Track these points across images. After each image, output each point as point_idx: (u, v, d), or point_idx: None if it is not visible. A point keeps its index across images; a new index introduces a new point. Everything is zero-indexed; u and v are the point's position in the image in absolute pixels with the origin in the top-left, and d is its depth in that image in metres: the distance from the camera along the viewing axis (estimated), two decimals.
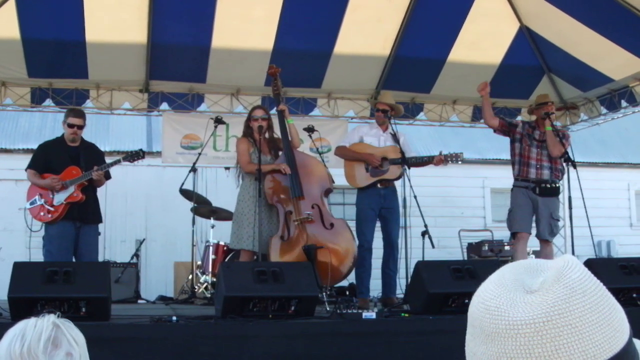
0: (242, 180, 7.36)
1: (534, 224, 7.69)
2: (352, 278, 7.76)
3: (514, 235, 7.80)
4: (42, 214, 7.09)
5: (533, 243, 7.95)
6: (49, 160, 7.26)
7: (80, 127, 7.31)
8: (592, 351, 1.02)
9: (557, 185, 7.68)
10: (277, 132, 7.50)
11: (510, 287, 1.09)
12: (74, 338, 1.52)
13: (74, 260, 7.05)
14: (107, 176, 7.40)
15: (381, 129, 7.69)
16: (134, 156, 7.30)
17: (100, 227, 7.58)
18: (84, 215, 7.15)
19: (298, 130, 7.60)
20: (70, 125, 7.26)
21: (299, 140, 7.55)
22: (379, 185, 7.43)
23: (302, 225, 6.99)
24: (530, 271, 1.11)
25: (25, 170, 7.31)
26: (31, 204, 7.17)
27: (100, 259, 8.80)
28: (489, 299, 1.09)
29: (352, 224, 7.46)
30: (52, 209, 7.04)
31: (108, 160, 7.48)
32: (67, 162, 7.19)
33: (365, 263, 7.31)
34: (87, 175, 7.06)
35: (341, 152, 7.70)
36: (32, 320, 1.54)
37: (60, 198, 7.04)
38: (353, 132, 7.95)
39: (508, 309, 1.05)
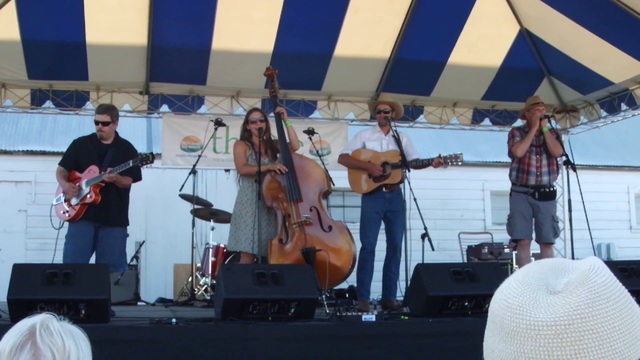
0: (241, 183, 7.35)
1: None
2: (351, 280, 7.75)
3: (515, 241, 7.84)
4: (62, 212, 7.11)
5: (532, 247, 7.95)
6: (78, 157, 7.22)
7: (106, 124, 7.16)
8: (611, 358, 1.01)
9: (555, 188, 7.72)
10: (275, 134, 7.49)
11: (534, 286, 1.08)
12: (50, 347, 1.48)
13: (94, 261, 7.04)
14: (136, 178, 7.31)
15: (383, 132, 7.66)
16: (143, 160, 7.09)
17: None
18: (102, 216, 7.04)
19: (298, 133, 7.58)
20: (95, 123, 7.20)
21: (298, 142, 7.54)
22: (384, 189, 7.40)
23: (300, 228, 6.98)
24: (555, 271, 1.10)
25: (57, 166, 7.32)
26: (57, 201, 7.19)
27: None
28: (512, 297, 1.08)
29: (352, 227, 7.45)
30: (69, 208, 7.05)
31: None
32: (94, 160, 7.12)
33: (367, 266, 7.29)
34: (99, 177, 6.97)
35: (344, 160, 7.67)
36: (23, 321, 1.52)
37: (77, 198, 7.03)
38: (355, 138, 7.90)
39: (530, 308, 1.05)
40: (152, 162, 7.18)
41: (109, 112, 7.31)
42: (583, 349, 1.01)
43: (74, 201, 7.03)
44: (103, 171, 6.98)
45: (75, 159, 7.23)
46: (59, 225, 7.15)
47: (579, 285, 1.05)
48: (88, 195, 6.98)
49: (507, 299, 1.08)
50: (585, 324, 1.01)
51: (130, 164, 7.03)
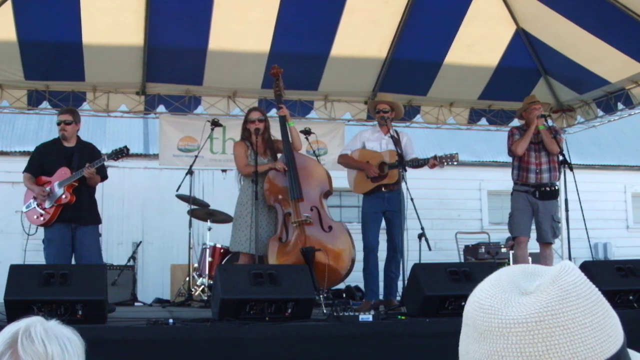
0: (242, 183, 7.36)
1: (533, 227, 7.74)
2: (349, 281, 7.76)
3: (513, 239, 7.87)
4: (35, 217, 7.06)
5: (531, 246, 7.95)
6: (43, 162, 7.21)
7: (68, 123, 7.19)
8: (584, 354, 1.02)
9: (556, 187, 7.73)
10: (275, 134, 7.50)
11: (506, 287, 1.09)
12: (32, 356, 1.47)
13: (73, 262, 7.03)
14: (103, 176, 7.33)
15: (382, 132, 7.65)
16: (117, 154, 7.13)
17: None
18: (78, 216, 7.05)
19: None
20: (58, 123, 7.22)
21: (301, 142, 7.55)
22: (383, 189, 7.41)
23: (300, 227, 6.99)
24: (527, 275, 1.11)
25: (23, 173, 7.27)
26: (27, 207, 7.14)
27: None
28: (484, 298, 1.09)
29: (350, 226, 7.45)
30: (43, 212, 7.01)
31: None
32: (61, 163, 7.12)
33: (370, 265, 7.29)
34: (75, 175, 6.97)
35: (343, 160, 7.66)
36: (7, 327, 1.52)
37: (50, 201, 7.02)
38: (355, 138, 7.89)
39: (501, 308, 1.06)
40: (127, 154, 7.21)
41: (71, 113, 7.41)
42: (554, 345, 1.02)
43: (47, 204, 7.01)
44: (75, 171, 7.00)
45: (40, 164, 7.23)
46: (34, 231, 7.13)
47: (550, 284, 1.06)
48: (63, 196, 6.99)
49: (479, 300, 1.10)
50: (556, 321, 1.03)
51: (106, 160, 7.10)
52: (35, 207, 7.06)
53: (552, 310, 1.03)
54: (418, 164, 7.49)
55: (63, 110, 7.50)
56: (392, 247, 7.41)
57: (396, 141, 7.46)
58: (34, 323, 1.51)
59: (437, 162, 7.36)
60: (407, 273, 6.58)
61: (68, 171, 7.06)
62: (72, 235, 7.05)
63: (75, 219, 7.05)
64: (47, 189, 7.03)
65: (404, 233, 7.38)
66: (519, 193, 7.74)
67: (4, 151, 13.05)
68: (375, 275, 7.39)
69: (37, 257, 7.37)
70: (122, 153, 7.14)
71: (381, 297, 7.66)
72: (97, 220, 7.37)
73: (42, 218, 7.01)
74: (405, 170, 7.30)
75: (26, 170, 7.24)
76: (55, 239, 7.00)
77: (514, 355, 1.04)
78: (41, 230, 7.17)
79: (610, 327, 1.06)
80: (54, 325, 1.54)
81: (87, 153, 7.27)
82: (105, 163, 7.19)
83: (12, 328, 1.50)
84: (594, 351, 1.03)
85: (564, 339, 1.02)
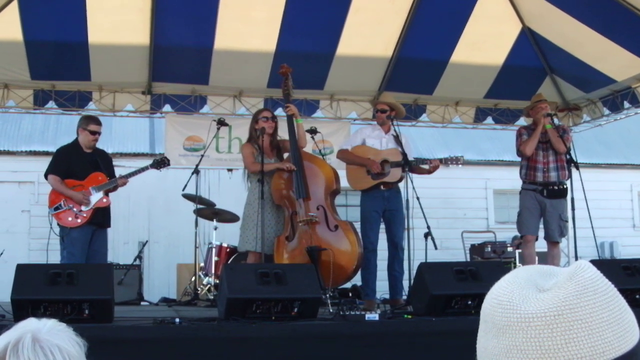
0: (250, 184, 7.38)
1: (541, 226, 7.74)
2: (355, 280, 7.75)
3: (521, 237, 7.89)
4: (70, 219, 7.25)
5: (538, 244, 7.94)
6: (71, 166, 7.42)
7: (100, 134, 7.54)
8: (601, 347, 1.04)
9: (565, 186, 7.70)
10: (282, 134, 7.52)
11: (524, 285, 1.11)
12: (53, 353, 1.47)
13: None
14: None
15: (383, 130, 7.66)
16: (159, 163, 7.71)
17: None
18: (104, 219, 7.43)
19: None
20: (93, 133, 7.47)
21: (306, 140, 7.57)
22: (382, 187, 7.41)
23: (307, 226, 7.00)
24: (543, 274, 1.14)
25: (46, 176, 7.43)
26: (56, 209, 7.28)
27: None
28: (502, 295, 1.11)
29: (356, 226, 7.45)
30: (82, 214, 7.24)
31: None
32: (89, 169, 7.40)
33: (370, 265, 7.30)
34: (113, 182, 7.35)
35: (343, 155, 7.67)
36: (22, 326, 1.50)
37: (88, 204, 7.28)
38: (355, 134, 7.92)
39: (520, 303, 1.08)
40: (168, 164, 7.83)
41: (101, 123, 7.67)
42: (573, 338, 1.04)
43: (85, 207, 7.24)
44: (109, 178, 7.40)
45: (67, 168, 7.42)
46: (67, 232, 7.28)
47: (567, 281, 1.08)
48: (104, 200, 7.38)
49: (497, 297, 1.12)
50: (575, 314, 1.04)
51: (149, 168, 7.65)
52: (71, 209, 7.24)
53: (570, 304, 1.05)
54: (422, 167, 7.50)
55: (97, 121, 7.64)
56: (394, 246, 7.41)
57: (397, 140, 7.47)
58: (25, 335, 1.47)
59: (438, 165, 7.38)
60: (413, 272, 6.57)
61: (104, 176, 7.40)
62: (91, 236, 7.32)
63: (101, 221, 7.40)
64: (86, 192, 7.30)
65: (404, 231, 7.39)
66: (527, 192, 7.74)
67: (10, 151, 13.08)
68: (374, 274, 7.41)
69: (42, 256, 7.41)
70: (163, 163, 7.81)
71: (387, 296, 7.67)
72: (110, 223, 7.68)
73: (79, 220, 7.24)
74: (410, 170, 7.30)
75: (54, 172, 7.40)
76: (81, 239, 7.24)
77: (533, 349, 1.05)
78: (45, 231, 7.28)
79: (626, 322, 1.08)
80: (49, 333, 1.50)
81: (106, 159, 7.70)
82: (114, 163, 7.49)
83: (3, 340, 1.49)
84: (612, 345, 1.05)
85: (583, 332, 1.04)
